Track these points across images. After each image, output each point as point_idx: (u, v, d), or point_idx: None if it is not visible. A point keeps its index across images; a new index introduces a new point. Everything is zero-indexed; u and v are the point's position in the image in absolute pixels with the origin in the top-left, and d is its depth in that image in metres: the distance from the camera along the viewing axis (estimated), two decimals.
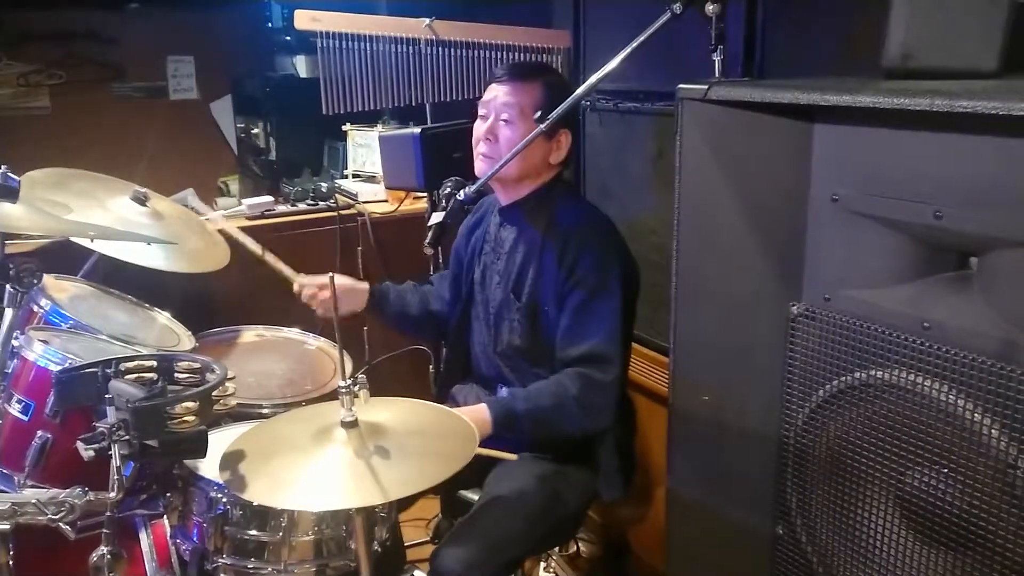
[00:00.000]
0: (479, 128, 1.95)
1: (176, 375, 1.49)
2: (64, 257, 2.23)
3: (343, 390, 1.43)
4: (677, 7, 1.53)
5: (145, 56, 3.47)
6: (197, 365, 1.50)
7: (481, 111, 1.96)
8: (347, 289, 2.14)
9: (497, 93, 1.92)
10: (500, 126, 1.91)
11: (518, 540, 1.82)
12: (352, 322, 2.40)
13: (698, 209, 1.52)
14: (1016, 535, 1.15)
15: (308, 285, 2.12)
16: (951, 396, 1.21)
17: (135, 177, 2.30)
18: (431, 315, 2.26)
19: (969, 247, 1.22)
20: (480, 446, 1.52)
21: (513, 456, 1.82)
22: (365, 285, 2.18)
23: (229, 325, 2.46)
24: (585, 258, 1.85)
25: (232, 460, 1.43)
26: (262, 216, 2.91)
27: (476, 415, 1.79)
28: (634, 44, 1.55)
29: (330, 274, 1.53)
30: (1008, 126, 1.06)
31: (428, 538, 2.60)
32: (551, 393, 1.84)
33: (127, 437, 1.35)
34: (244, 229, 2.83)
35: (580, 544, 2.70)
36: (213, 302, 2.76)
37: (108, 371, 1.45)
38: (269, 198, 3.02)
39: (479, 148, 1.94)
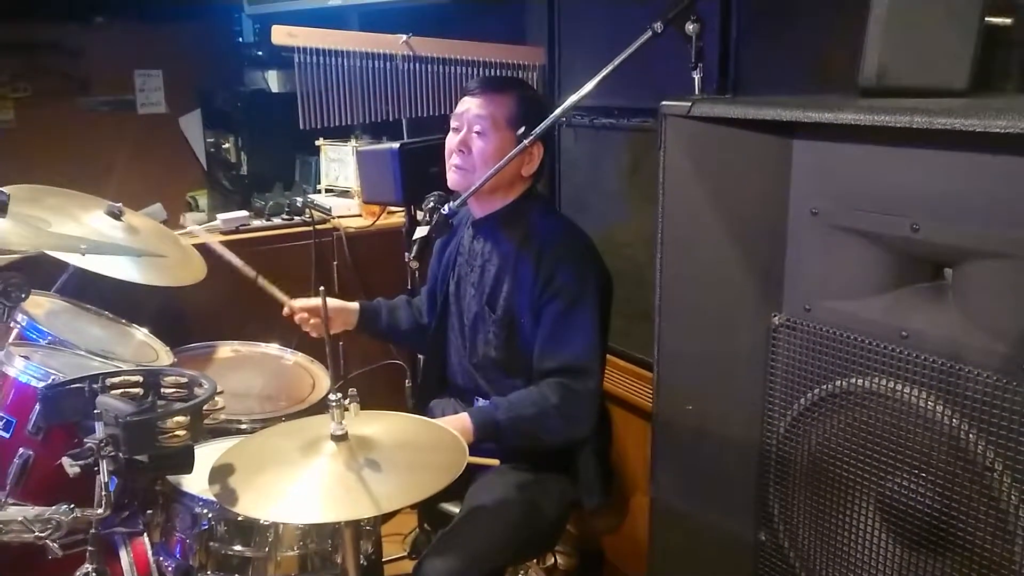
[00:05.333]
0: (451, 140, 1.96)
1: (163, 390, 1.49)
2: (37, 272, 2.19)
3: (334, 404, 1.44)
4: (658, 26, 1.57)
5: (112, 69, 3.45)
6: (184, 380, 1.49)
7: (454, 124, 1.98)
8: (338, 310, 2.16)
9: (470, 106, 1.94)
10: (473, 138, 1.92)
11: (499, 550, 1.83)
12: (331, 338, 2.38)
13: (681, 223, 1.54)
14: (994, 537, 1.19)
15: (300, 309, 2.10)
16: (929, 402, 1.24)
17: (104, 191, 2.27)
18: (422, 329, 2.27)
19: (944, 259, 1.26)
20: None
21: (495, 462, 1.84)
22: (355, 305, 2.20)
23: (204, 340, 2.44)
24: (562, 270, 1.87)
25: (221, 474, 1.42)
26: (236, 231, 2.89)
27: (458, 424, 1.80)
28: (617, 62, 1.59)
29: (321, 288, 1.53)
30: (984, 142, 1.10)
31: (405, 553, 2.59)
32: (532, 402, 1.86)
33: (115, 453, 1.34)
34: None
35: (557, 556, 2.71)
36: (187, 317, 2.73)
37: (95, 386, 1.44)
38: (244, 212, 3.01)
39: (452, 160, 1.96)
